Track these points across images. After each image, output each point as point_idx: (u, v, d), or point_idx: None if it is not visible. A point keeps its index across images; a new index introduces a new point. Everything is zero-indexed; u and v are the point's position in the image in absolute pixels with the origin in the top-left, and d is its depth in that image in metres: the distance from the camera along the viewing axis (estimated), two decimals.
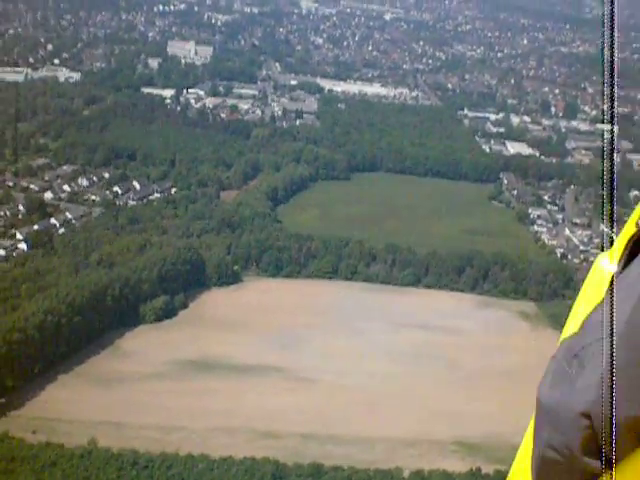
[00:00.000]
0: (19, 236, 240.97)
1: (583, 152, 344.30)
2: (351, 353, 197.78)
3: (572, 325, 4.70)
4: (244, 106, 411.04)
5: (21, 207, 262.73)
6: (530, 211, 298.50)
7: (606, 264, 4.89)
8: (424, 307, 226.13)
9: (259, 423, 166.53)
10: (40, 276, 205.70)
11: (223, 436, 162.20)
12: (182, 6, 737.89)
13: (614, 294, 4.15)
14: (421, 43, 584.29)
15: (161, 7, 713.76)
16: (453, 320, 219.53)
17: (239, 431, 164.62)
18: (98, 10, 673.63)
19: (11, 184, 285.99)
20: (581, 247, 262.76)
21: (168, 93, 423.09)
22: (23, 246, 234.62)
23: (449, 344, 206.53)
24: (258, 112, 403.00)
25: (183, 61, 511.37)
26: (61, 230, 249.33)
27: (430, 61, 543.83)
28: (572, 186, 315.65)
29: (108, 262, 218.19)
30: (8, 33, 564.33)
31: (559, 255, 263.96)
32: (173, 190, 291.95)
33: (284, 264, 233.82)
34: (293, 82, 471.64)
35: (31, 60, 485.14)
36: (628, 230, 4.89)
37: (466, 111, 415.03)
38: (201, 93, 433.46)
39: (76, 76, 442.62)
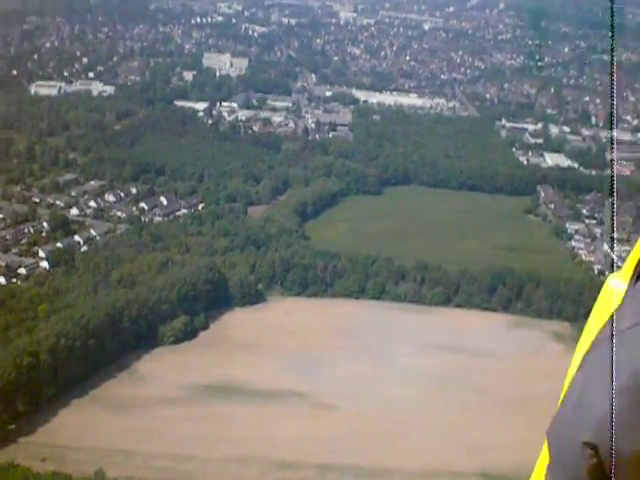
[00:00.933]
0: (41, 254, 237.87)
1: (624, 163, 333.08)
2: (375, 377, 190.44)
3: (583, 344, 4.79)
4: (277, 119, 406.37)
5: (45, 224, 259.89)
6: (567, 225, 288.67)
7: (616, 284, 4.92)
8: (454, 328, 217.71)
9: (276, 452, 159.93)
10: (58, 296, 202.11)
11: (237, 466, 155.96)
12: (219, 18, 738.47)
13: (616, 321, 4.22)
14: (460, 52, 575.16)
15: (198, 19, 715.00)
16: (484, 341, 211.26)
17: (254, 461, 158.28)
18: (135, 23, 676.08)
19: (37, 200, 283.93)
20: (620, 263, 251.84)
21: (201, 106, 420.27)
22: (45, 264, 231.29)
23: (479, 367, 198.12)
24: (291, 125, 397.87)
25: (218, 73, 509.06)
26: (84, 248, 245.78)
27: (468, 71, 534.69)
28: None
29: (129, 281, 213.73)
30: (45, 47, 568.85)
31: (596, 272, 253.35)
32: (200, 206, 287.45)
33: (309, 283, 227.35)
34: (328, 94, 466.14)
35: (66, 74, 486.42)
36: (638, 250, 4.92)
37: (504, 122, 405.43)
38: (234, 106, 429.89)
39: (110, 90, 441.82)
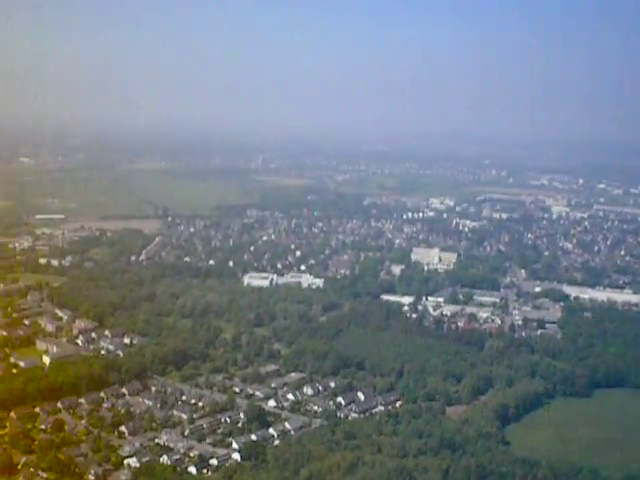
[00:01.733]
0: (235, 445, 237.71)
1: None
2: None
3: None
4: (483, 314, 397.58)
5: (242, 414, 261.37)
6: None
7: None
8: None
9: None
10: None
11: None
12: (431, 214, 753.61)
13: None
14: None
15: (410, 214, 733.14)
16: None
17: None
18: (349, 218, 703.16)
19: (237, 390, 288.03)
20: None
21: (407, 300, 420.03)
22: (236, 456, 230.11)
23: None
24: (497, 321, 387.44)
25: (426, 268, 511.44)
26: (276, 442, 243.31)
27: None
28: None
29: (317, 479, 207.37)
30: (262, 239, 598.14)
31: None
32: (398, 403, 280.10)
33: None
34: (537, 289, 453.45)
35: (279, 266, 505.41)
36: None
37: None
38: (440, 300, 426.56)
39: (319, 282, 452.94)
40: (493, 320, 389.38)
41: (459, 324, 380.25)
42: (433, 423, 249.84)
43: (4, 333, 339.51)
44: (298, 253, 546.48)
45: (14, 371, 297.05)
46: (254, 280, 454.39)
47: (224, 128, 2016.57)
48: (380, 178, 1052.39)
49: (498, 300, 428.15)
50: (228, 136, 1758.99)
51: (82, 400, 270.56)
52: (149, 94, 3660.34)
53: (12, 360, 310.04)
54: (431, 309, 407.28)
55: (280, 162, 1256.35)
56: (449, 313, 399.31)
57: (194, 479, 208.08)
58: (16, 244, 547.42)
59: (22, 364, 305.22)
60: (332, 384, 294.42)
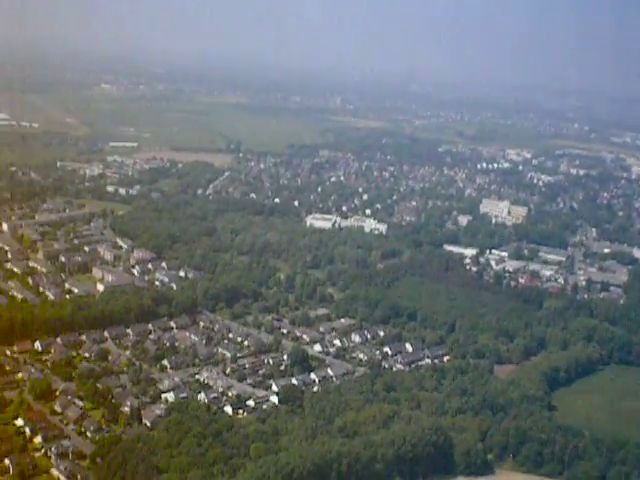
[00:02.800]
0: (274, 388, 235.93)
1: None
2: None
3: None
4: (546, 272, 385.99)
5: (286, 357, 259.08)
6: None
7: None
8: None
9: None
10: (275, 436, 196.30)
11: None
12: (506, 165, 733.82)
13: None
14: None
15: (484, 165, 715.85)
16: None
17: None
18: (422, 164, 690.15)
19: (285, 332, 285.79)
20: None
21: (470, 252, 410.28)
22: (274, 399, 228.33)
23: None
24: (560, 280, 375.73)
25: (494, 220, 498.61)
26: (316, 387, 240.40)
27: None
28: None
29: (350, 430, 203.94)
30: (330, 180, 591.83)
31: None
32: (446, 358, 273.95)
33: (545, 460, 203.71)
34: (606, 250, 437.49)
35: (344, 208, 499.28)
36: None
37: None
38: (504, 255, 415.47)
39: (382, 228, 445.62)
40: (556, 279, 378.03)
41: (520, 281, 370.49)
42: (478, 381, 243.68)
43: (62, 259, 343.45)
44: (365, 196, 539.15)
45: (67, 297, 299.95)
46: (317, 221, 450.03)
47: (307, 67, 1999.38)
48: (459, 125, 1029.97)
49: (564, 259, 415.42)
50: (310, 75, 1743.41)
51: (129, 330, 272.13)
52: (234, 30, 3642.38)
53: (67, 286, 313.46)
54: (493, 263, 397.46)
55: (359, 103, 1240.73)
56: (511, 269, 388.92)
57: (226, 419, 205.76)
58: (87, 170, 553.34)
59: (76, 290, 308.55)
60: (381, 333, 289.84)
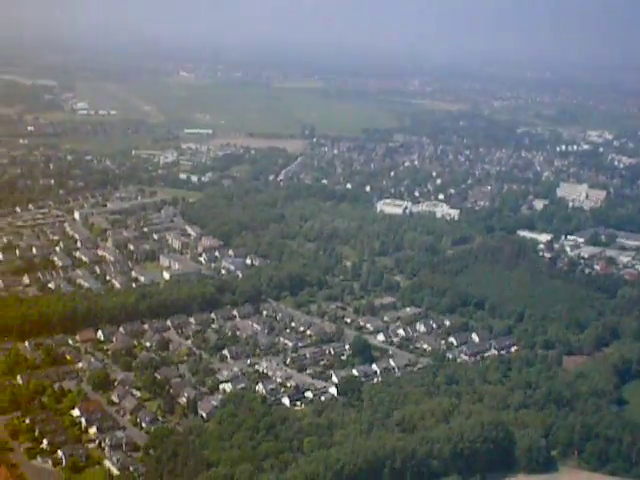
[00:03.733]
0: (334, 378, 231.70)
1: None
2: None
3: None
4: (624, 259, 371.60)
5: (348, 347, 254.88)
6: None
7: None
8: None
9: None
10: (329, 430, 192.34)
11: None
12: (586, 147, 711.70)
13: None
14: None
15: (564, 147, 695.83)
16: None
17: None
18: (499, 147, 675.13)
19: (348, 320, 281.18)
20: None
21: (544, 238, 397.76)
22: (333, 390, 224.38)
23: None
24: (638, 267, 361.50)
25: (571, 204, 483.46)
26: (377, 379, 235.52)
27: None
28: None
29: (408, 425, 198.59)
30: (404, 165, 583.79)
31: None
32: (513, 348, 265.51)
33: (611, 457, 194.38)
34: None
35: (417, 194, 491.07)
36: None
37: None
38: (580, 240, 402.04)
39: (454, 213, 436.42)
40: (634, 265, 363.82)
41: (595, 267, 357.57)
42: (545, 374, 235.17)
43: (131, 247, 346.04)
44: (439, 181, 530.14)
45: (133, 285, 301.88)
46: (387, 207, 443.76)
47: (387, 50, 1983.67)
48: (538, 106, 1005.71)
49: None
50: (390, 58, 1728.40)
51: (192, 319, 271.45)
52: (316, 15, 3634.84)
53: (133, 274, 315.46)
54: (568, 249, 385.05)
55: (437, 85, 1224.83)
56: (587, 255, 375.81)
57: (281, 411, 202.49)
58: (161, 158, 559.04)
59: (142, 279, 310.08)
60: (447, 322, 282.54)
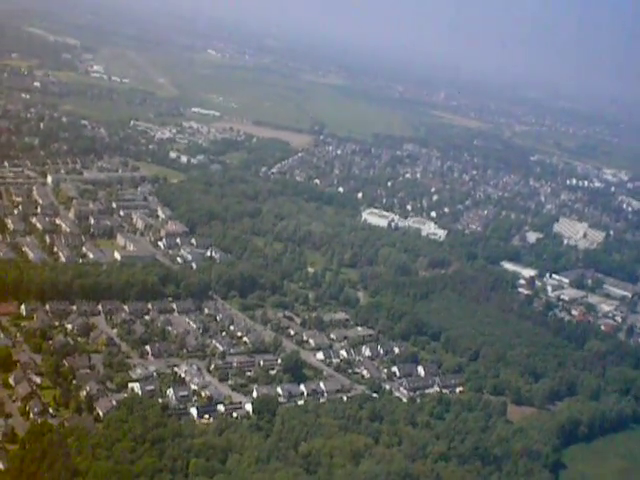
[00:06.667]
0: (255, 394, 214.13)
1: None
2: None
3: None
4: (605, 307, 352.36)
5: (279, 361, 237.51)
6: None
7: None
8: None
9: None
10: (222, 454, 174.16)
11: None
12: (598, 184, 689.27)
13: None
14: None
15: (574, 181, 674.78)
16: None
17: None
18: (508, 172, 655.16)
19: (292, 333, 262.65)
20: None
21: (528, 273, 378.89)
22: (248, 407, 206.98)
23: None
24: (617, 319, 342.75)
25: (565, 242, 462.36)
26: (301, 401, 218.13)
27: None
28: None
29: (313, 460, 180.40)
30: (404, 176, 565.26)
31: None
32: (459, 389, 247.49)
33: None
34: None
35: (409, 207, 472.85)
36: None
37: None
38: (565, 281, 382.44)
39: (441, 233, 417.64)
40: (614, 316, 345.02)
41: (573, 313, 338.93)
42: (483, 423, 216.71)
43: (92, 221, 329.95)
44: (435, 197, 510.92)
45: (80, 261, 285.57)
46: (372, 217, 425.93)
47: (423, 58, 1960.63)
48: (561, 136, 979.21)
49: (630, 295, 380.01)
50: (424, 66, 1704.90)
51: (126, 307, 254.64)
52: (358, 11, 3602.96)
53: (83, 250, 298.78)
54: (550, 289, 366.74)
55: (463, 101, 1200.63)
56: (567, 298, 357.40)
57: (175, 425, 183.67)
58: (157, 133, 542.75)
59: (91, 255, 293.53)
60: (396, 349, 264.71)
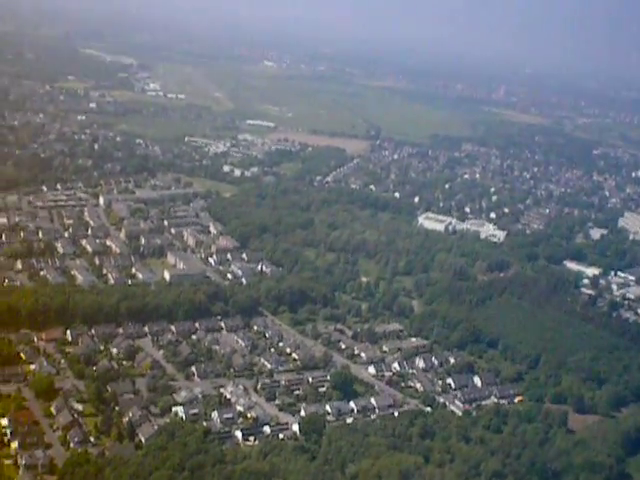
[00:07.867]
0: (303, 413, 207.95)
1: None
2: None
3: None
4: None
5: (329, 377, 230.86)
6: None
7: None
8: None
9: None
10: None
11: None
12: None
13: None
14: None
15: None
16: None
17: None
18: (570, 167, 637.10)
19: (343, 346, 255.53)
20: None
21: (592, 272, 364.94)
22: (295, 428, 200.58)
23: None
24: None
25: (631, 237, 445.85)
26: (350, 419, 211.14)
27: None
28: None
29: None
30: (462, 177, 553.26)
31: None
32: (517, 398, 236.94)
33: None
34: None
35: (467, 209, 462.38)
36: None
37: None
38: (631, 279, 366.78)
39: (500, 235, 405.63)
40: None
41: (639, 312, 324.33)
42: (542, 435, 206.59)
43: (142, 241, 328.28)
44: (494, 198, 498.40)
45: (129, 282, 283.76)
46: (429, 222, 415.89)
47: (481, 56, 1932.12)
48: (625, 128, 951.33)
49: None
50: (482, 64, 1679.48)
51: (173, 328, 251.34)
52: (417, 15, 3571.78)
53: (133, 270, 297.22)
54: (614, 287, 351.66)
55: (523, 96, 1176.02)
56: (633, 296, 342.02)
57: (216, 450, 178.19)
58: (212, 148, 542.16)
59: (140, 276, 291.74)
60: (451, 360, 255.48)
